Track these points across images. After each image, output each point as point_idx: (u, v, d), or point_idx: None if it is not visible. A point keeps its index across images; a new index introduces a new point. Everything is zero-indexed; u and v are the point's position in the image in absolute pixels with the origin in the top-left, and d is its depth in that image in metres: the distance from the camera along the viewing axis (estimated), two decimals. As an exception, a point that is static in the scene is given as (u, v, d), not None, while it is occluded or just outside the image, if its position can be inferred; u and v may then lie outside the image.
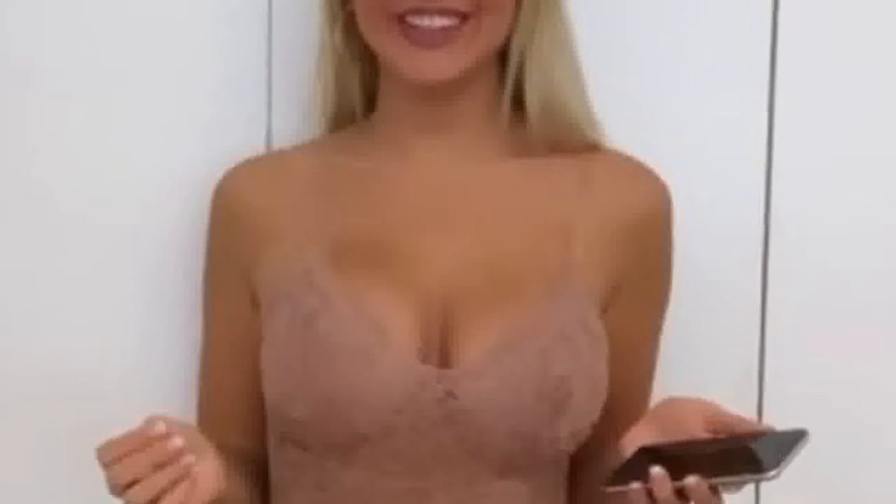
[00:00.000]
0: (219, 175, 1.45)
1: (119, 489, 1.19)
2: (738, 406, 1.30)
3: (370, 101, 1.45)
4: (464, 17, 1.33)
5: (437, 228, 1.38)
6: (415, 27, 1.33)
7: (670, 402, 1.29)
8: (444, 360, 1.32)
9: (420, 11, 1.33)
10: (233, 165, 1.45)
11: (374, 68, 1.43)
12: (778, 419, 1.31)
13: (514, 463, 1.33)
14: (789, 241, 1.59)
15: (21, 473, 1.56)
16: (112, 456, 1.18)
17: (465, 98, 1.39)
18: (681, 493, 1.19)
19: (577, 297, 1.35)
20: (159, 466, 1.18)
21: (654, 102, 1.56)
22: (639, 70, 1.56)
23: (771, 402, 1.60)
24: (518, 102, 1.40)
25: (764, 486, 1.54)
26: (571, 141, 1.41)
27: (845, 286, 1.60)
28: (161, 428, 1.18)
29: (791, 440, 1.19)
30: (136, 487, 1.18)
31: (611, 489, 1.23)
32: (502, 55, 1.40)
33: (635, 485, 1.20)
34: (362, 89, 1.45)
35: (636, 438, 1.27)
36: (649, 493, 1.20)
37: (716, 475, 1.19)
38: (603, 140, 1.43)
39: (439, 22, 1.32)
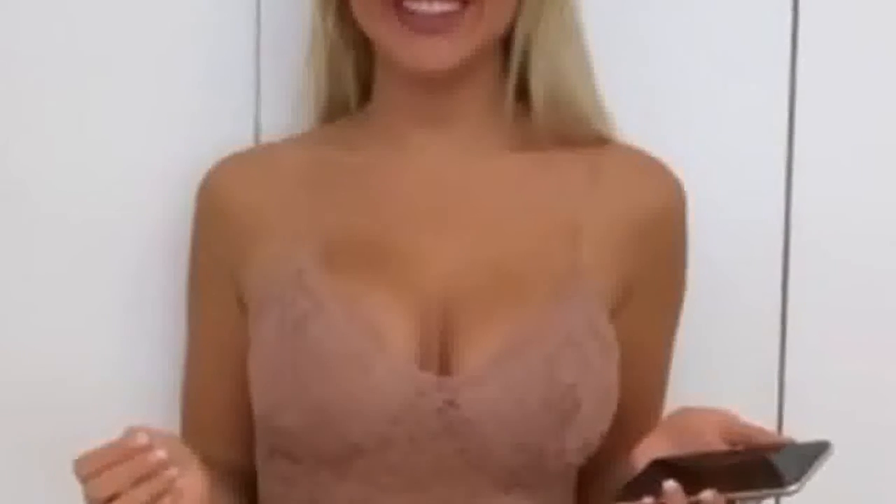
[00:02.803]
0: (204, 170, 1.45)
1: (98, 504, 1.19)
2: (757, 416, 1.30)
3: (365, 91, 1.45)
4: (465, 1, 1.33)
5: (436, 227, 1.38)
6: (412, 12, 1.32)
7: (685, 412, 1.29)
8: (444, 368, 1.32)
9: (418, -5, 1.33)
10: (219, 160, 1.45)
11: (369, 56, 1.43)
12: (799, 430, 1.31)
13: (518, 477, 1.33)
14: (811, 240, 1.59)
15: (-7, 488, 1.56)
16: (90, 469, 1.18)
17: (466, 88, 1.39)
18: (696, 509, 1.19)
19: (585, 299, 1.35)
20: (141, 480, 1.17)
21: (668, 93, 1.56)
22: (651, 58, 1.56)
23: (792, 412, 1.60)
24: (523, 93, 1.40)
25: (784, 501, 1.54)
26: (579, 134, 1.41)
27: (871, 287, 1.60)
28: (142, 439, 1.18)
29: (813, 452, 1.19)
30: (117, 502, 1.17)
31: (622, 504, 1.23)
32: (506, 42, 1.39)
33: (647, 500, 1.20)
34: (356, 78, 1.45)
35: (648, 450, 1.27)
36: (662, 509, 1.20)
37: (733, 489, 1.18)
38: (613, 133, 1.43)
39: (439, 7, 1.32)
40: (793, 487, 1.16)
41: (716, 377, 1.57)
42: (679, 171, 1.44)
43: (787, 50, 1.57)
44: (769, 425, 1.51)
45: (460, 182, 1.40)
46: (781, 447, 1.22)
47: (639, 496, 1.21)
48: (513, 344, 1.31)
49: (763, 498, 1.21)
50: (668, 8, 1.56)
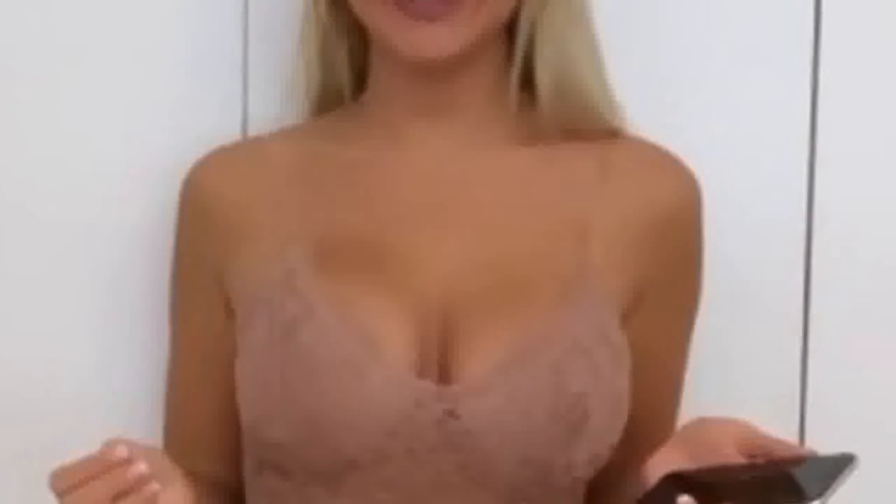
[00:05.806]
0: (188, 165, 1.45)
1: (75, 521, 1.19)
2: (778, 426, 1.30)
3: (359, 81, 1.45)
4: (466, -15, 1.33)
5: (435, 225, 1.38)
6: (411, -3, 1.33)
7: (700, 423, 1.29)
8: (444, 376, 1.32)
9: (416, -20, 1.33)
10: (204, 154, 1.45)
11: (364, 43, 1.43)
12: (822, 441, 1.31)
13: (523, 492, 1.33)
14: (835, 240, 1.59)
15: (-36, 503, 1.56)
16: (67, 484, 1.18)
17: (467, 77, 1.39)
18: (712, 526, 1.19)
19: (594, 303, 1.35)
20: (120, 495, 1.17)
21: (683, 83, 1.56)
22: (665, 46, 1.56)
23: (814, 422, 1.60)
24: (528, 82, 1.40)
25: (806, 517, 1.55)
26: (588, 126, 1.41)
27: (898, 290, 1.60)
28: (122, 452, 1.18)
29: (837, 466, 1.19)
30: (95, 519, 1.18)
31: (633, 521, 1.23)
32: (510, 28, 1.40)
33: (661, 516, 1.20)
34: (350, 67, 1.45)
35: (662, 464, 1.27)
36: (677, 526, 1.20)
37: (752, 505, 1.19)
38: (624, 125, 1.43)
39: (439, -8, 1.32)
40: (815, 503, 1.16)
41: (734, 385, 1.58)
42: (695, 167, 1.44)
43: (810, 38, 1.57)
44: (790, 436, 1.52)
45: (461, 177, 1.40)
46: (803, 460, 1.22)
47: (652, 512, 1.21)
48: (517, 350, 1.31)
49: (784, 514, 1.21)
50: (683, -10, 1.57)
